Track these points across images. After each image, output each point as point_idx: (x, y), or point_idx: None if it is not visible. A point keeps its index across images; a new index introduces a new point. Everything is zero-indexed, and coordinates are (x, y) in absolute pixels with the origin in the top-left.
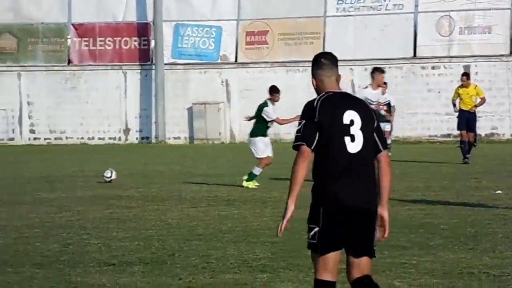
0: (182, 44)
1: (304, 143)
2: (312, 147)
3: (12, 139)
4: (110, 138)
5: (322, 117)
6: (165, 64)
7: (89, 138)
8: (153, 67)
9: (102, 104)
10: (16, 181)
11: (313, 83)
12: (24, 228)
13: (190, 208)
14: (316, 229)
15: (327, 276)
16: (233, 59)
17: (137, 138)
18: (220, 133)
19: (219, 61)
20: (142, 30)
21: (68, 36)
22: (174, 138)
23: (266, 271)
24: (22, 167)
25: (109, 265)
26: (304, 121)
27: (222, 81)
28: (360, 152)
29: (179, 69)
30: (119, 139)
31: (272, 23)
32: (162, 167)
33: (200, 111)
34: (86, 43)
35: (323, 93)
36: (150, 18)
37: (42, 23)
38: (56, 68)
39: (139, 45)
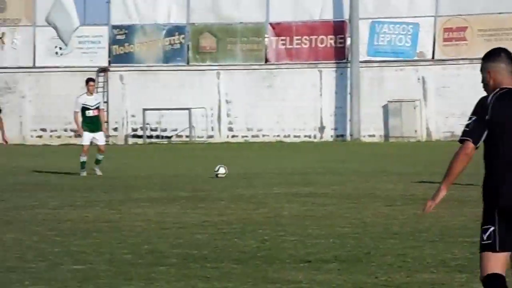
0: (378, 42)
1: (470, 139)
2: (477, 144)
3: (211, 136)
4: (305, 136)
5: (495, 115)
6: (361, 62)
7: (285, 136)
8: (349, 65)
9: (298, 102)
10: (215, 177)
11: (486, 78)
12: (223, 224)
13: (385, 207)
14: (492, 228)
15: (497, 271)
16: (430, 56)
17: (332, 136)
18: (416, 131)
19: (415, 58)
20: (338, 28)
21: (266, 35)
22: (369, 136)
23: (464, 272)
24: (221, 164)
25: (305, 262)
26: (474, 117)
27: (419, 78)
28: None
29: (374, 66)
30: (314, 137)
31: (471, 19)
32: (357, 165)
33: (396, 108)
34: (283, 42)
35: (498, 89)
36: (346, 16)
37: (241, 22)
38: (253, 67)
39: (334, 43)
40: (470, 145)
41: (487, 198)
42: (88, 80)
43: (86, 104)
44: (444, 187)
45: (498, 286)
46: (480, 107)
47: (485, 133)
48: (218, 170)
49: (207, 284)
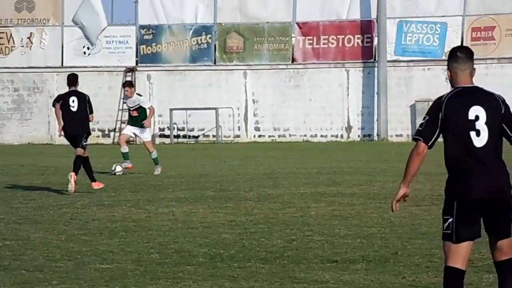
0: (405, 41)
1: (421, 139)
2: (429, 144)
3: (238, 136)
4: (332, 136)
5: (448, 114)
6: (388, 61)
7: (311, 136)
8: (376, 64)
9: (325, 101)
10: (242, 177)
11: (448, 75)
12: (249, 223)
13: (412, 207)
14: (451, 219)
15: (457, 264)
16: None
17: (359, 136)
18: None
19: (443, 57)
20: (366, 28)
21: (293, 35)
22: (396, 135)
23: (492, 272)
24: (248, 163)
25: (332, 262)
26: (427, 117)
27: (446, 78)
28: (486, 145)
29: (402, 66)
30: (341, 136)
31: (499, 18)
32: (384, 165)
33: (423, 108)
34: (310, 41)
35: (452, 89)
36: (373, 15)
37: (268, 22)
38: (280, 66)
39: (362, 42)
40: (421, 144)
41: (446, 191)
42: (122, 85)
43: (128, 106)
44: (403, 185)
45: (454, 284)
46: (435, 107)
47: (437, 131)
48: (115, 169)
49: (234, 284)
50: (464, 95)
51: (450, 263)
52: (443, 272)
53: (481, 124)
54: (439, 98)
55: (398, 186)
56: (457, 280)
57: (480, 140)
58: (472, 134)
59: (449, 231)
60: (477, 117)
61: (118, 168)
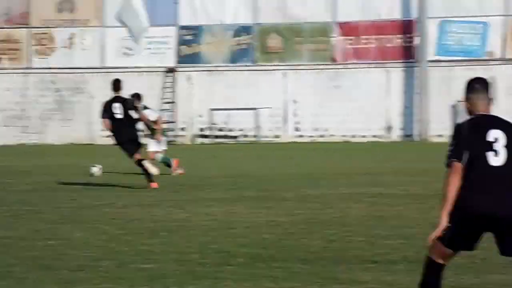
0: (447, 41)
1: (456, 159)
2: (462, 160)
3: (278, 136)
4: (373, 136)
5: (468, 135)
6: (429, 61)
7: (351, 136)
8: (417, 64)
9: (365, 102)
10: (282, 177)
11: (466, 106)
12: (289, 224)
13: None
14: (450, 226)
15: (439, 260)
16: (499, 55)
17: (399, 136)
18: None
19: (485, 57)
20: (406, 28)
21: (333, 35)
22: (438, 136)
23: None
24: (287, 164)
25: (372, 262)
26: (454, 141)
27: (488, 78)
28: (503, 165)
29: (443, 66)
30: (381, 137)
31: None
32: (425, 165)
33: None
34: (350, 41)
35: (473, 115)
36: (414, 15)
37: (308, 22)
38: (320, 66)
39: (403, 42)
40: (457, 164)
41: (455, 202)
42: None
43: None
44: (444, 214)
45: (435, 277)
46: (458, 131)
47: (465, 150)
48: (93, 171)
49: (274, 284)
50: (483, 120)
51: (435, 259)
52: (425, 260)
53: (499, 146)
54: (458, 124)
55: (440, 215)
56: (439, 273)
57: (497, 159)
58: (490, 154)
59: (444, 235)
60: (496, 139)
61: (94, 169)
